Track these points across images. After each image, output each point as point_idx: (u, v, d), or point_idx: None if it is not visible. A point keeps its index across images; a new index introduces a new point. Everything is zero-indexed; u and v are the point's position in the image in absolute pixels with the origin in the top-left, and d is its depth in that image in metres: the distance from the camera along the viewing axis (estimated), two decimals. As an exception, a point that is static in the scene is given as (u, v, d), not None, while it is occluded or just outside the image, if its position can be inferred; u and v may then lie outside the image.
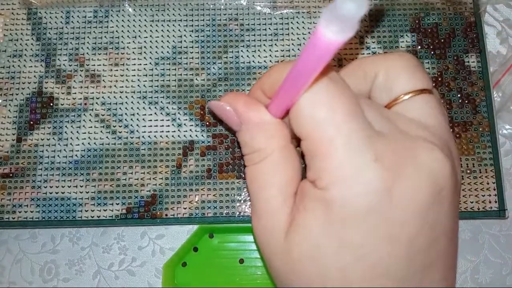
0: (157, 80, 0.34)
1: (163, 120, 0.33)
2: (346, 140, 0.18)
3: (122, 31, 0.35)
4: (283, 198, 0.20)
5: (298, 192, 0.20)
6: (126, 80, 0.34)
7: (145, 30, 0.35)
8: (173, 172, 0.33)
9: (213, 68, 0.34)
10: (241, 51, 0.35)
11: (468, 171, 0.33)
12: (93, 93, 0.34)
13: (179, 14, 0.35)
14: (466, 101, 0.34)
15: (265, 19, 0.35)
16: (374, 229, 0.17)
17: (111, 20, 0.35)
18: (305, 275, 0.19)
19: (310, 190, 0.19)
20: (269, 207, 0.20)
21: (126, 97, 0.34)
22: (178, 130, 0.33)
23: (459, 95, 0.34)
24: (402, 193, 0.17)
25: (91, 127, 0.33)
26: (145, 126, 0.33)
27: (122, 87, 0.34)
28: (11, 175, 0.33)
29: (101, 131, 0.33)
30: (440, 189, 0.18)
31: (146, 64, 0.34)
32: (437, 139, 0.19)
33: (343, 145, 0.18)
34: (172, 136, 0.33)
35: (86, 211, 0.32)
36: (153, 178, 0.32)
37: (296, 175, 0.21)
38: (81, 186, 0.32)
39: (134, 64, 0.34)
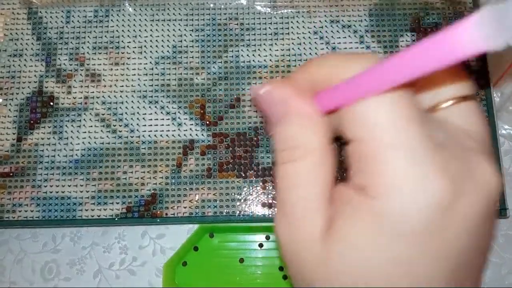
0: (157, 80, 0.34)
1: (163, 119, 0.33)
2: (409, 146, 0.16)
3: (123, 30, 0.35)
4: (321, 201, 0.19)
5: (335, 196, 0.19)
6: (126, 79, 0.34)
7: (145, 30, 0.35)
8: (173, 171, 0.33)
9: (213, 67, 0.34)
10: (241, 50, 0.35)
11: (468, 171, 0.33)
12: (93, 92, 0.34)
13: (179, 13, 0.35)
14: (466, 101, 0.34)
15: (265, 18, 0.35)
16: (427, 245, 0.17)
17: (111, 20, 0.35)
18: (346, 286, 0.18)
19: (354, 197, 0.18)
20: (304, 210, 0.19)
21: (126, 96, 0.34)
22: (178, 129, 0.33)
23: (459, 95, 0.34)
24: (462, 210, 0.16)
25: (91, 126, 0.33)
26: (145, 125, 0.33)
27: (122, 86, 0.34)
28: (11, 174, 0.33)
29: (101, 130, 0.33)
30: (492, 206, 0.18)
31: (146, 64, 0.34)
32: (485, 150, 0.18)
33: (405, 150, 0.16)
34: (172, 135, 0.33)
35: (86, 210, 0.32)
36: (153, 177, 0.33)
37: (333, 177, 0.19)
38: (81, 185, 0.32)
39: (134, 64, 0.34)
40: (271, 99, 0.20)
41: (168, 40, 0.35)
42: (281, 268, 0.32)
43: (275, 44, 0.35)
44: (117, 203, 0.32)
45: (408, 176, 0.16)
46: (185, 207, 0.32)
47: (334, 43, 0.35)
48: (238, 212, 0.32)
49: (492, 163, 0.18)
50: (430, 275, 0.17)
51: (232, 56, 0.35)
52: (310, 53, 0.35)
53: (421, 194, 0.16)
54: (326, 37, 0.35)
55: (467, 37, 0.12)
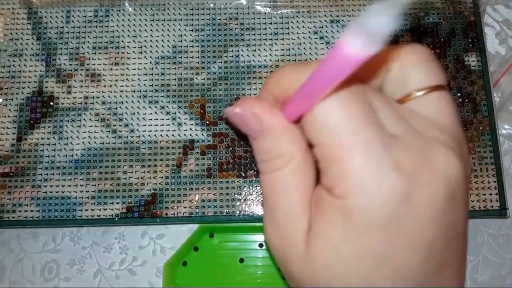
0: (157, 79, 0.34)
1: (163, 119, 0.33)
2: (364, 147, 0.17)
3: (123, 30, 0.35)
4: (304, 205, 0.20)
5: (313, 198, 0.20)
6: (126, 79, 0.34)
7: (145, 30, 0.35)
8: (173, 171, 0.33)
9: (213, 67, 0.34)
10: (241, 50, 0.35)
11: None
12: (93, 92, 0.34)
13: (179, 13, 0.35)
14: (467, 100, 0.34)
15: (265, 18, 0.35)
16: (395, 236, 0.18)
17: (111, 20, 0.35)
18: (328, 283, 0.19)
19: (326, 197, 0.19)
20: (289, 215, 0.20)
21: (126, 96, 0.34)
22: (178, 129, 0.33)
23: (459, 94, 0.34)
24: (420, 200, 0.17)
25: (91, 126, 0.33)
26: (145, 125, 0.33)
27: (122, 86, 0.34)
28: (11, 174, 0.33)
29: (101, 130, 0.33)
30: (454, 193, 0.18)
31: (146, 63, 0.34)
32: (451, 140, 0.19)
33: (361, 152, 0.17)
34: (172, 135, 0.33)
35: (86, 210, 0.32)
36: (153, 177, 0.33)
37: (314, 181, 0.21)
38: (81, 185, 0.32)
39: (134, 63, 0.34)
40: (245, 118, 0.21)
41: (168, 40, 0.35)
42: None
43: (275, 44, 0.35)
44: (117, 203, 0.32)
45: (366, 174, 0.17)
46: (185, 207, 0.32)
47: (334, 43, 0.35)
48: (238, 212, 0.32)
49: (455, 154, 0.18)
50: (403, 264, 0.18)
51: (232, 56, 0.35)
52: (310, 53, 0.35)
53: (379, 189, 0.17)
54: (326, 37, 0.35)
55: (344, 51, 0.14)
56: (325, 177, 0.19)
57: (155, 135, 0.33)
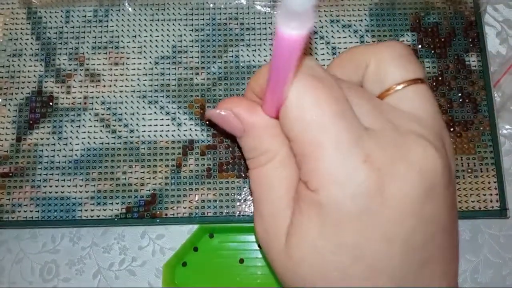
0: (157, 80, 0.34)
1: (163, 119, 0.33)
2: (334, 141, 0.17)
3: (122, 30, 0.35)
4: (287, 199, 0.20)
5: (295, 192, 0.20)
6: (126, 79, 0.34)
7: (145, 29, 0.35)
8: (173, 171, 0.33)
9: (213, 67, 0.34)
10: (241, 50, 0.35)
11: (469, 170, 0.33)
12: (92, 92, 0.34)
13: (179, 13, 0.35)
14: (467, 100, 0.34)
15: (265, 18, 0.35)
16: (368, 230, 0.18)
17: (111, 20, 0.35)
18: (308, 277, 0.19)
19: (303, 191, 0.19)
20: (274, 209, 0.20)
21: (126, 96, 0.34)
22: (178, 129, 0.33)
23: (459, 94, 0.34)
24: (394, 193, 0.17)
25: (91, 126, 0.33)
26: (144, 125, 0.33)
27: (122, 86, 0.34)
28: (10, 174, 0.33)
29: (101, 131, 0.33)
30: (432, 186, 0.18)
31: (146, 64, 0.34)
32: (430, 132, 0.19)
33: (332, 147, 0.17)
34: (172, 135, 0.33)
35: (86, 210, 0.32)
36: (153, 178, 0.32)
37: (298, 177, 0.21)
38: (81, 186, 0.32)
39: (134, 64, 0.34)
40: (226, 118, 0.21)
41: (167, 40, 0.35)
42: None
43: (275, 44, 0.35)
44: (117, 203, 0.32)
45: (337, 168, 0.17)
46: (185, 208, 0.32)
47: (334, 43, 0.35)
48: (238, 212, 0.32)
49: (433, 146, 0.18)
50: (381, 258, 0.18)
51: (232, 56, 0.35)
52: (310, 53, 0.35)
53: (350, 183, 0.17)
54: (326, 37, 0.35)
55: (284, 35, 0.14)
56: (301, 171, 0.19)
57: (154, 135, 0.33)
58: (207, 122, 0.33)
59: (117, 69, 0.34)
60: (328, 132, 0.18)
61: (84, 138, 0.33)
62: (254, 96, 0.22)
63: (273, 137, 0.21)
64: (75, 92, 0.34)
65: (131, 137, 0.33)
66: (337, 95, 0.18)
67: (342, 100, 0.18)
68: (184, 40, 0.35)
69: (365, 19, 0.35)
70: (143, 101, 0.34)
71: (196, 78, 0.34)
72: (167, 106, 0.34)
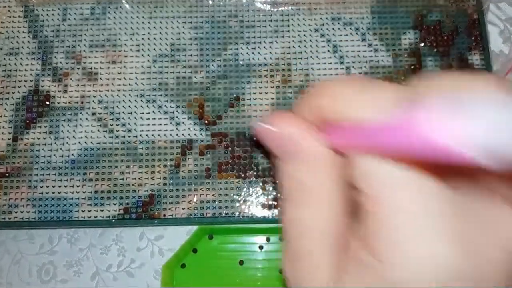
0: (155, 78, 0.34)
1: (161, 118, 0.33)
2: (422, 212, 0.15)
3: (120, 28, 0.35)
4: (328, 254, 0.17)
5: (344, 246, 0.17)
6: (124, 78, 0.34)
7: (143, 27, 0.35)
8: (172, 171, 0.32)
9: (212, 65, 0.34)
10: (241, 48, 0.34)
11: (472, 171, 0.32)
12: (90, 91, 0.33)
13: (177, 11, 0.35)
14: (470, 99, 0.33)
15: (265, 15, 0.35)
16: None
17: (108, 17, 0.35)
18: None
19: (361, 253, 0.16)
20: (310, 262, 0.17)
21: (123, 95, 0.33)
22: (177, 128, 0.33)
23: (462, 93, 0.33)
24: (478, 280, 0.15)
25: (88, 125, 0.33)
26: (142, 124, 0.33)
27: (120, 85, 0.34)
28: (7, 174, 0.32)
29: (98, 130, 0.33)
30: None
31: (144, 62, 0.34)
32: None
33: (417, 216, 0.15)
34: (170, 135, 0.33)
35: (83, 211, 0.31)
36: (151, 178, 0.32)
37: (345, 225, 0.18)
38: (78, 186, 0.32)
39: (132, 62, 0.34)
40: (278, 137, 0.18)
41: (166, 38, 0.34)
42: (281, 271, 0.31)
43: (275, 42, 0.34)
44: (114, 204, 0.32)
45: (418, 245, 0.15)
46: (183, 208, 0.32)
47: (335, 40, 0.34)
48: (237, 213, 0.31)
49: None
50: None
51: (232, 54, 0.34)
52: (311, 51, 0.34)
53: (432, 265, 0.14)
54: (328, 34, 0.34)
55: (441, 141, 0.11)
56: (365, 231, 0.16)
57: (152, 135, 0.33)
58: (247, 135, 0.32)
59: (114, 68, 0.34)
60: (414, 200, 0.15)
61: (81, 137, 0.33)
62: (308, 113, 0.19)
63: (326, 172, 0.17)
64: (72, 91, 0.33)
65: (129, 136, 0.33)
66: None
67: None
68: (183, 38, 0.34)
69: (367, 17, 0.35)
70: (141, 100, 0.33)
71: (194, 77, 0.34)
72: (165, 105, 0.33)
